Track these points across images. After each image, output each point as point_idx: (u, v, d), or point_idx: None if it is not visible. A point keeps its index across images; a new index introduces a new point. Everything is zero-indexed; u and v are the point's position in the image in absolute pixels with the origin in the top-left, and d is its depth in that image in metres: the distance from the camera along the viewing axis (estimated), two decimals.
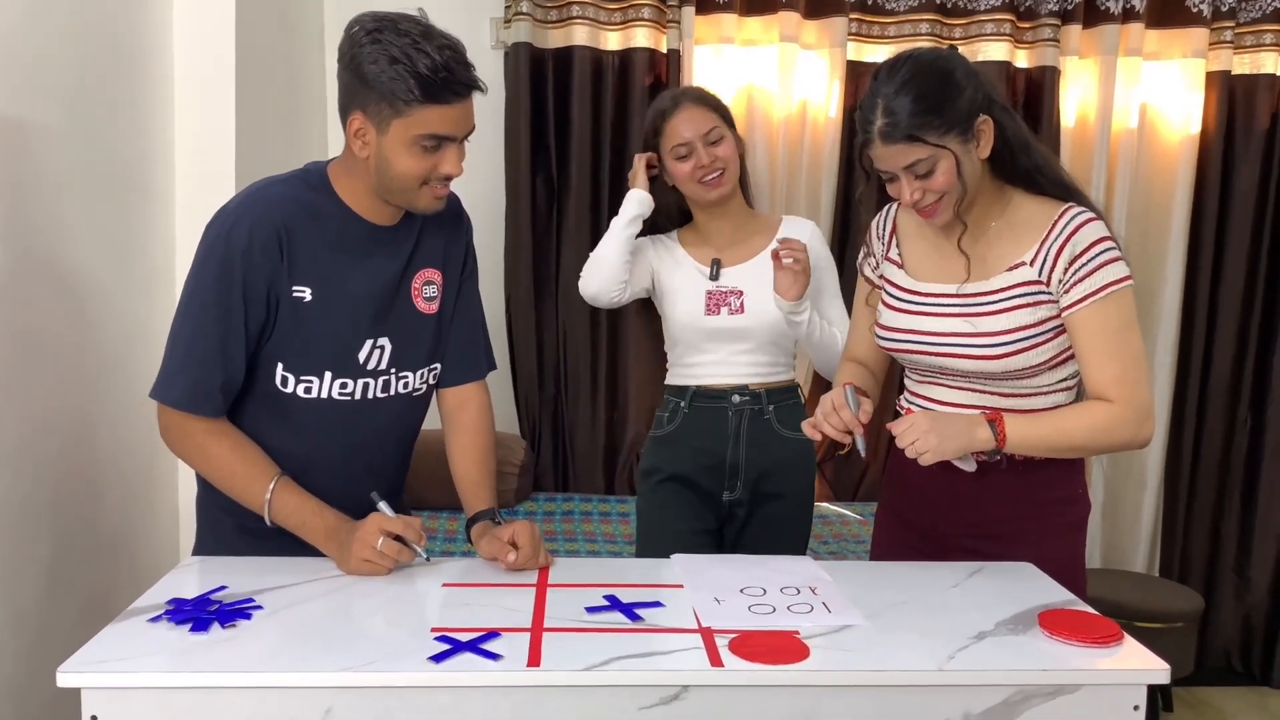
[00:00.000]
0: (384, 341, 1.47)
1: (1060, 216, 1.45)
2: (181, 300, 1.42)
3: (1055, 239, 1.44)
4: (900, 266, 1.58)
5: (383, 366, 1.48)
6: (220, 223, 1.40)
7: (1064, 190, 1.49)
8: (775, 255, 1.76)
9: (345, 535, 1.37)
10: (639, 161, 1.93)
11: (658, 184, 1.93)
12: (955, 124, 1.39)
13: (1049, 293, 1.45)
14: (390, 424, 1.52)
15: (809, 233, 1.93)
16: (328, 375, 1.44)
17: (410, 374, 1.52)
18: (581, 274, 1.94)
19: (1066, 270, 1.43)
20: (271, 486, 1.39)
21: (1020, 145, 1.46)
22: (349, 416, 1.47)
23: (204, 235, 1.41)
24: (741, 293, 1.88)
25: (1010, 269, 1.47)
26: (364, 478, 1.47)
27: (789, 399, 1.94)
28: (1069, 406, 1.47)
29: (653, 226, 1.97)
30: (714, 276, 1.89)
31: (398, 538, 1.36)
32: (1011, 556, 1.50)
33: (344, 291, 1.43)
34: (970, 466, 1.44)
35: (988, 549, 1.50)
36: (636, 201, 1.90)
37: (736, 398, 1.89)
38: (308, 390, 1.44)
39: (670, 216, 1.97)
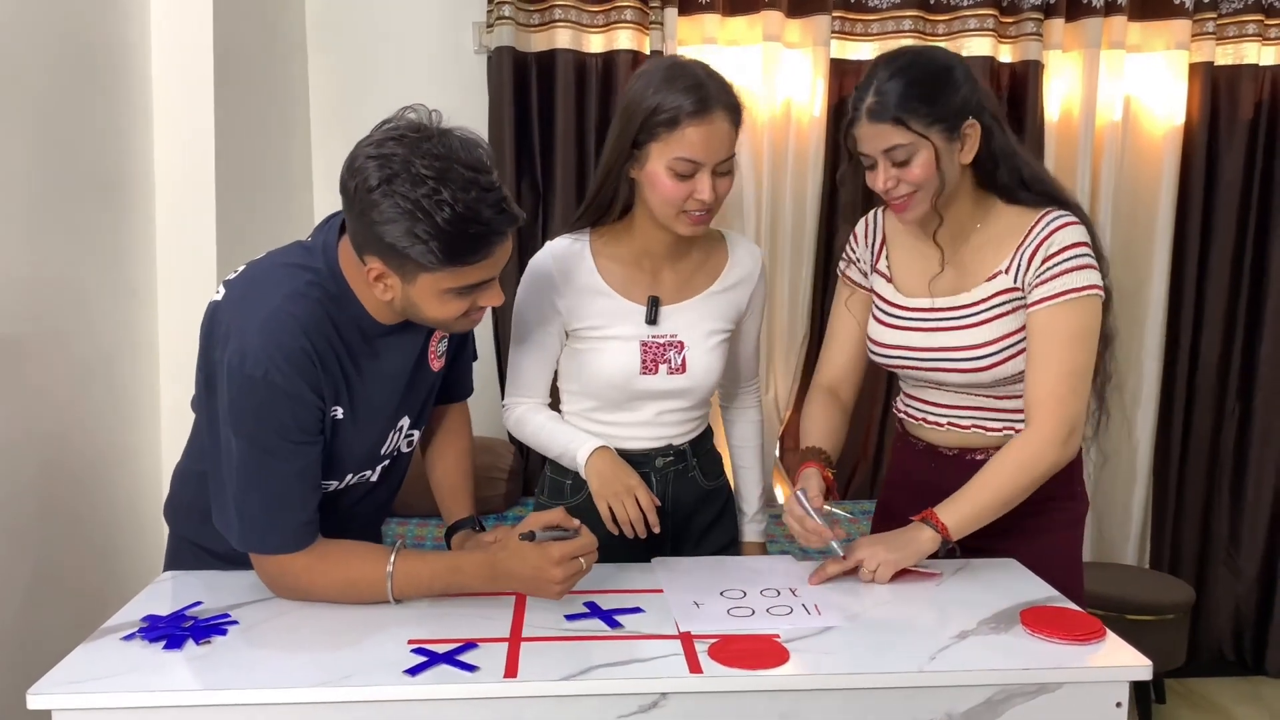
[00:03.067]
0: (403, 422, 1.41)
1: (1038, 221, 1.45)
2: (233, 445, 1.24)
3: (1030, 243, 1.44)
4: (889, 280, 1.57)
5: (401, 445, 1.43)
6: (253, 362, 1.20)
7: (1049, 199, 1.48)
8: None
9: (515, 565, 1.25)
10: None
11: (621, 172, 1.50)
12: (942, 118, 1.39)
13: (1024, 298, 1.45)
14: (392, 474, 1.48)
15: (756, 267, 1.64)
16: (349, 476, 1.39)
17: (417, 431, 1.46)
18: (509, 411, 1.65)
19: (1038, 271, 1.43)
20: (389, 576, 1.26)
21: (1005, 156, 1.46)
22: (359, 487, 1.43)
23: (232, 373, 1.21)
24: (683, 345, 1.56)
25: (989, 279, 1.47)
26: (363, 519, 1.47)
27: (708, 444, 1.70)
28: (988, 463, 1.46)
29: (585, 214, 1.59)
30: (651, 320, 1.55)
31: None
32: (1009, 553, 1.50)
33: (370, 402, 1.33)
34: (935, 566, 1.44)
35: (985, 546, 1.49)
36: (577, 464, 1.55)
37: (660, 460, 1.61)
38: (325, 487, 1.35)
39: (618, 209, 1.55)
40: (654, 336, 1.55)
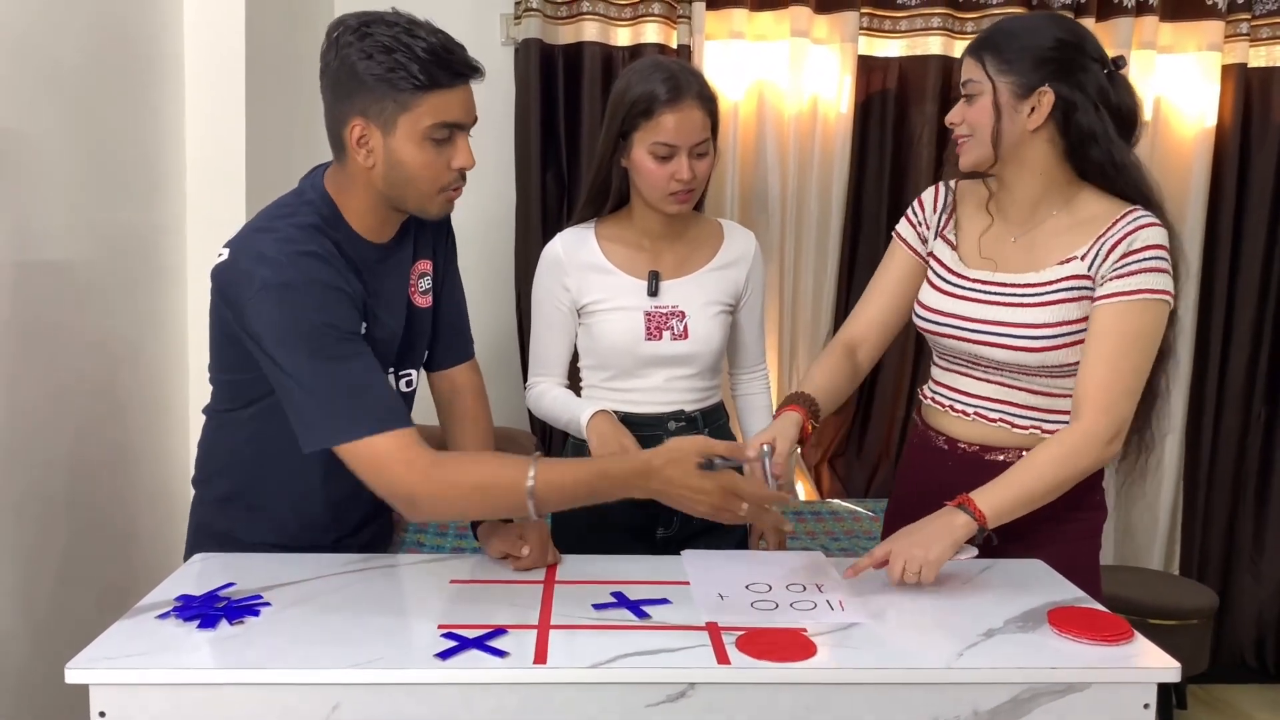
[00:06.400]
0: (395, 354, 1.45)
1: (1124, 215, 1.44)
2: (298, 364, 1.24)
3: (1112, 235, 1.43)
4: (953, 248, 1.56)
5: (400, 386, 1.46)
6: (280, 270, 1.25)
7: (1140, 197, 1.46)
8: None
9: (678, 476, 1.25)
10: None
11: (613, 163, 1.67)
12: (1015, 73, 1.42)
13: (1093, 288, 1.43)
14: None
15: (750, 248, 1.77)
16: None
17: (413, 371, 1.50)
18: (530, 389, 1.78)
19: (1115, 265, 1.41)
20: (531, 480, 1.23)
21: (1088, 136, 1.43)
22: None
23: (266, 295, 1.24)
24: (684, 314, 1.69)
25: (1062, 262, 1.46)
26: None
27: (720, 419, 1.79)
28: (1028, 454, 1.43)
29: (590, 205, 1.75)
30: (652, 292, 1.68)
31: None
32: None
33: (376, 326, 1.38)
34: (972, 554, 1.39)
35: (999, 552, 1.48)
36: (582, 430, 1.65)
37: (672, 424, 1.71)
38: None
39: (614, 198, 1.71)
40: (656, 307, 1.68)
